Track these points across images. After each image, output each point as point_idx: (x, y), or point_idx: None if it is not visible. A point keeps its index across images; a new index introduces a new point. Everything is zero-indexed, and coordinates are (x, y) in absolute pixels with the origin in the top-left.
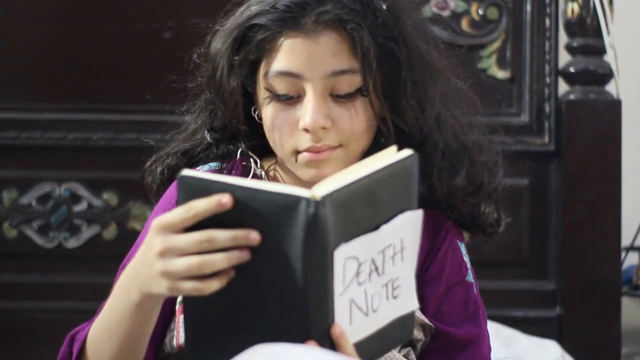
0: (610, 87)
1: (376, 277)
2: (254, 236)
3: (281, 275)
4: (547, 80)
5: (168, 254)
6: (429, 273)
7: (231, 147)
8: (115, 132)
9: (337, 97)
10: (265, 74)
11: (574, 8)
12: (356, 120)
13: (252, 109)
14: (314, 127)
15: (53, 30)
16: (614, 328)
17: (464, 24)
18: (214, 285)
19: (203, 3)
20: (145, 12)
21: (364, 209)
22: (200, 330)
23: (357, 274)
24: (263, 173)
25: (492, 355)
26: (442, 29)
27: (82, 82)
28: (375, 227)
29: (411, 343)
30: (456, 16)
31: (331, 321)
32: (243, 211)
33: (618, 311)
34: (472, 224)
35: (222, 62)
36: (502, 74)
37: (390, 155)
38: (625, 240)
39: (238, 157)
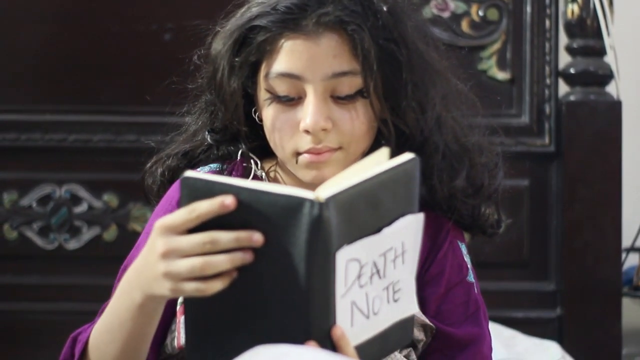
0: (611, 88)
1: (377, 280)
2: (257, 237)
3: (283, 277)
4: (548, 81)
5: (171, 255)
6: (430, 273)
7: (232, 148)
8: (116, 133)
9: (338, 99)
10: (266, 76)
11: (574, 9)
12: (357, 121)
13: (253, 110)
14: (315, 129)
15: (53, 32)
16: (615, 329)
17: (464, 25)
18: (216, 286)
19: (203, 4)
20: (146, 13)
21: (366, 212)
22: (200, 330)
23: (359, 276)
24: (263, 174)
25: (492, 355)
26: (442, 31)
27: (82, 83)
28: (377, 230)
29: (412, 343)
30: (456, 17)
31: (332, 323)
32: (246, 212)
33: (618, 312)
34: (472, 225)
35: (223, 63)
36: (502, 75)
37: (383, 156)
38: (626, 241)
39: (238, 158)
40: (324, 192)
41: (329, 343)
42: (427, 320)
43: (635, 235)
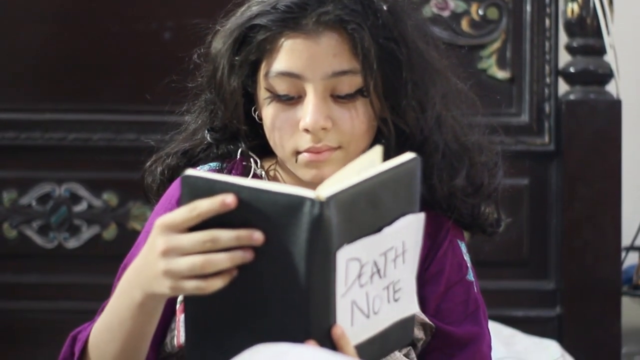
0: (610, 87)
1: (378, 280)
2: (257, 236)
3: (284, 275)
4: (547, 80)
5: (171, 253)
6: (429, 272)
7: (231, 147)
8: (115, 132)
9: (338, 98)
10: (266, 75)
11: (573, 8)
12: (357, 120)
13: (253, 109)
14: (315, 128)
15: (53, 31)
16: (614, 328)
17: (464, 24)
18: (216, 284)
19: (203, 3)
20: (146, 12)
21: (366, 211)
22: (200, 328)
23: (359, 275)
24: (263, 173)
25: (492, 354)
26: (442, 30)
27: (82, 82)
28: (378, 229)
29: (411, 342)
30: (456, 16)
31: (333, 322)
32: (247, 211)
33: (618, 311)
34: (472, 224)
35: (223, 62)
36: (502, 74)
37: (376, 154)
38: (625, 240)
39: (238, 157)
40: (324, 191)
41: (329, 342)
42: (426, 319)
43: (635, 234)
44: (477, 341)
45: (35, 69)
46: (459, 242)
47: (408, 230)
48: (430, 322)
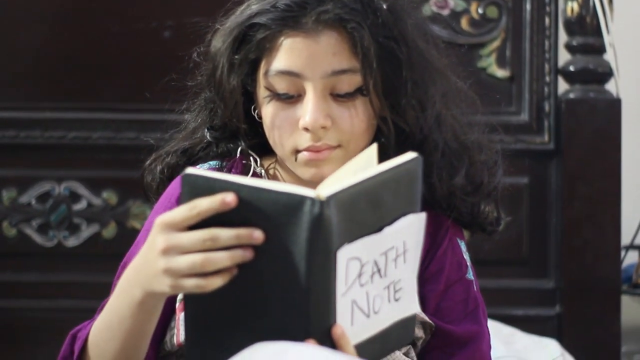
0: (610, 86)
1: (378, 279)
2: (257, 235)
3: (284, 275)
4: (547, 79)
5: (171, 251)
6: (429, 271)
7: (231, 145)
8: (115, 130)
9: (337, 97)
10: (266, 73)
11: (573, 7)
12: (356, 119)
13: (252, 107)
14: (314, 127)
15: (53, 29)
16: (614, 326)
17: (464, 23)
18: (216, 283)
19: (203, 2)
20: (145, 11)
21: (367, 211)
22: (200, 327)
23: (360, 275)
24: (263, 171)
25: (491, 353)
26: (441, 28)
27: (81, 80)
28: (378, 229)
29: (411, 341)
30: (456, 15)
31: (333, 322)
32: (247, 210)
33: (618, 309)
34: (471, 223)
35: (222, 61)
36: (501, 73)
37: (372, 152)
38: (625, 239)
39: (238, 155)
40: (325, 190)
41: (329, 342)
42: (426, 318)
43: (635, 233)
44: (476, 340)
45: (34, 68)
46: (459, 241)
47: (409, 230)
48: (430, 321)
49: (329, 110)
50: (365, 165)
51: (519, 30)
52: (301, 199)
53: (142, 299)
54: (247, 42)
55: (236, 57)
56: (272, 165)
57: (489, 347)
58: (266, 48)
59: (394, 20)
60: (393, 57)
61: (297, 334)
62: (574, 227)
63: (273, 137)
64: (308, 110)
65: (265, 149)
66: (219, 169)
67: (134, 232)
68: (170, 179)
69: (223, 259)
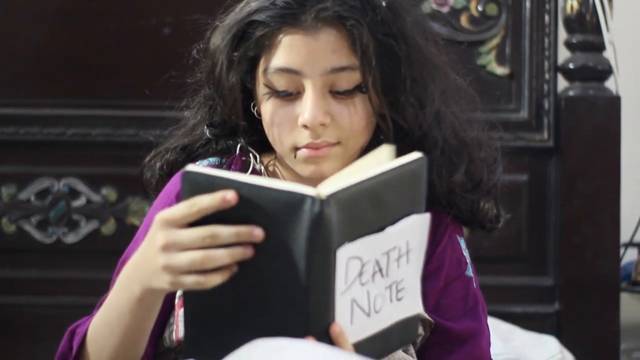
0: (610, 84)
1: (380, 279)
2: (257, 233)
3: (284, 273)
4: (547, 76)
5: (171, 248)
6: (428, 268)
7: (230, 142)
8: (115, 127)
9: (337, 94)
10: (265, 70)
11: (573, 4)
12: (355, 117)
13: (252, 104)
14: (313, 124)
15: (52, 26)
16: (613, 324)
17: (463, 20)
18: (216, 280)
19: None
20: (145, 8)
21: (369, 210)
22: (200, 324)
23: (360, 274)
24: (262, 168)
25: (491, 350)
26: (441, 26)
27: (81, 77)
28: (381, 229)
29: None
30: (455, 12)
31: (332, 320)
32: (247, 208)
33: (617, 307)
34: (471, 220)
35: (222, 58)
36: (501, 70)
37: (386, 153)
38: (624, 236)
39: (237, 152)
40: (325, 189)
41: (328, 340)
42: (425, 315)
43: (634, 230)
44: (476, 337)
45: (34, 65)
46: (458, 238)
47: (412, 231)
48: (430, 318)
49: (328, 108)
50: (377, 165)
51: (518, 28)
52: (301, 197)
53: (141, 295)
54: (246, 39)
55: (235, 54)
56: (271, 162)
57: (489, 343)
58: (265, 45)
59: (393, 17)
60: (392, 55)
61: (296, 332)
62: (574, 224)
63: (272, 134)
64: (307, 107)
65: (264, 146)
66: (219, 166)
67: (133, 229)
68: (169, 175)
69: (223, 256)
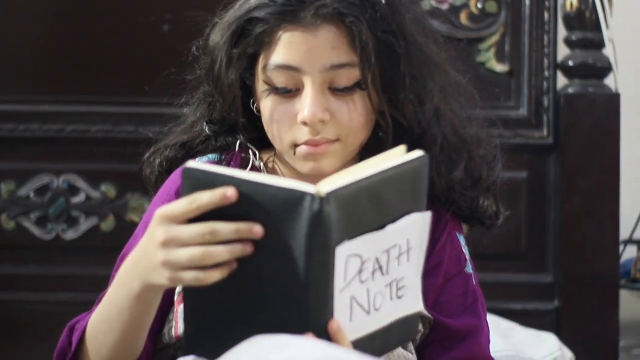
0: (609, 81)
1: (380, 277)
2: (257, 230)
3: (283, 270)
4: (546, 74)
5: (170, 244)
6: (428, 264)
7: (230, 139)
8: (114, 124)
9: (336, 91)
10: (264, 67)
11: (572, 2)
12: (355, 114)
13: (251, 101)
14: (313, 121)
15: (52, 23)
16: (613, 321)
17: (463, 18)
18: (215, 276)
19: None
20: (145, 5)
21: (369, 208)
22: (199, 320)
23: (360, 272)
24: (262, 165)
25: (490, 347)
26: (441, 23)
27: (80, 74)
28: (381, 227)
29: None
30: (455, 10)
31: (331, 317)
32: (247, 205)
33: (616, 304)
34: (471, 217)
35: (221, 55)
36: (501, 68)
37: (400, 155)
38: (624, 233)
39: (237, 149)
40: (325, 187)
41: (327, 337)
42: (425, 312)
43: (633, 228)
44: (475, 334)
45: (33, 61)
46: (458, 235)
47: (413, 229)
48: (429, 315)
49: (327, 105)
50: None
51: (518, 25)
52: (301, 195)
53: (140, 291)
54: (245, 36)
55: (235, 51)
56: (271, 159)
57: (488, 340)
58: (265, 42)
59: (392, 14)
60: (392, 52)
61: (296, 329)
62: (573, 221)
63: (272, 131)
64: (307, 104)
65: (264, 143)
66: (218, 163)
67: (133, 226)
68: (169, 172)
69: (222, 253)
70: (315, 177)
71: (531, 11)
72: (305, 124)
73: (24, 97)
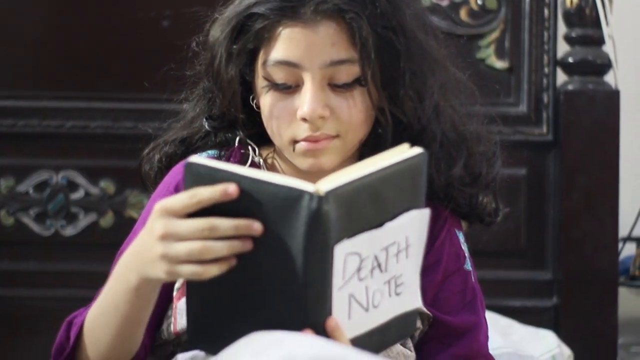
0: (609, 78)
1: (379, 274)
2: (256, 227)
3: (282, 267)
4: (546, 70)
5: (169, 238)
6: (427, 261)
7: (229, 135)
8: (113, 120)
9: (336, 87)
10: (264, 63)
11: None
12: (354, 110)
13: (251, 97)
14: (312, 117)
15: (51, 18)
16: (611, 318)
17: (463, 14)
18: (213, 271)
19: None
20: (144, 0)
21: (368, 206)
22: (201, 316)
23: (359, 269)
24: (261, 161)
25: (488, 344)
26: (440, 19)
27: (80, 70)
28: (380, 224)
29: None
30: (455, 6)
31: (329, 315)
32: (247, 201)
33: (615, 301)
34: (470, 214)
35: (221, 50)
36: (500, 64)
37: (402, 153)
38: (623, 231)
39: (236, 145)
40: (324, 185)
41: (325, 334)
42: (424, 309)
43: (633, 225)
44: (474, 330)
45: (33, 57)
46: (457, 232)
47: (411, 226)
48: (428, 312)
49: (327, 101)
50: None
51: (518, 22)
52: (300, 194)
53: (137, 284)
54: (245, 32)
55: (234, 46)
56: (270, 155)
57: (487, 337)
58: (264, 38)
59: (392, 10)
60: (391, 48)
61: (294, 326)
62: (572, 218)
63: (271, 127)
64: (306, 100)
65: (263, 139)
66: (218, 158)
67: (132, 222)
68: (168, 168)
69: (221, 248)
70: (314, 173)
71: (531, 7)
72: (304, 120)
73: (23, 93)
